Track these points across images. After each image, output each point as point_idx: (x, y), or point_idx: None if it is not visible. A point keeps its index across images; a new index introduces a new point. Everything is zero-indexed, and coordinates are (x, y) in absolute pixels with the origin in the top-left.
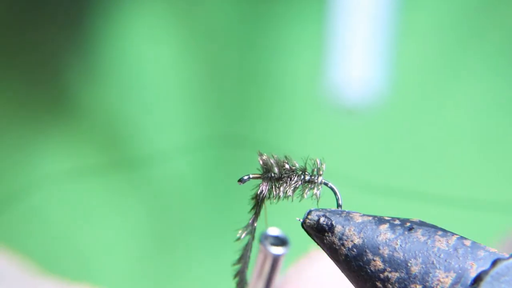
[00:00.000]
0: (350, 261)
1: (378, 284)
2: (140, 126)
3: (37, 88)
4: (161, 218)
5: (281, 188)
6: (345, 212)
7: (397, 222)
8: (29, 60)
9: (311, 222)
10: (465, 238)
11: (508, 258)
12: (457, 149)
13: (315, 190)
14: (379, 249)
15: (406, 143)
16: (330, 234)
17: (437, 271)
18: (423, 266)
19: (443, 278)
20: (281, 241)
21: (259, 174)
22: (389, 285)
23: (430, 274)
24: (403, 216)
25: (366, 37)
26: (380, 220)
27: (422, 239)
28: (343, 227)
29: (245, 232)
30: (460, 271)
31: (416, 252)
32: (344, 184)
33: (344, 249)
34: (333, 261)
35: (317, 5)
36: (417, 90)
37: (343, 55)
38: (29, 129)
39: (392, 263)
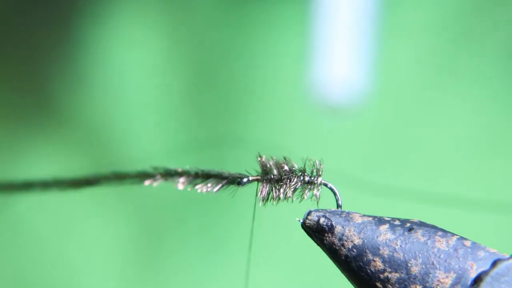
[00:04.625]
0: (350, 262)
1: (378, 284)
2: (128, 130)
3: (23, 94)
4: (151, 222)
5: (281, 190)
6: (345, 213)
7: (397, 222)
8: (15, 68)
9: (311, 222)
10: (465, 239)
11: (508, 259)
12: (448, 148)
13: (314, 191)
14: (379, 249)
15: (397, 142)
16: (330, 234)
17: (437, 271)
18: (423, 267)
19: (443, 278)
20: None
21: (258, 176)
22: (389, 285)
23: (430, 275)
24: (403, 216)
25: (351, 36)
26: (380, 221)
27: (422, 239)
28: (343, 227)
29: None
30: (460, 272)
31: (416, 252)
32: (336, 184)
33: (344, 250)
34: (333, 261)
35: (301, 6)
36: (406, 90)
37: (328, 55)
38: (14, 138)
39: (392, 263)
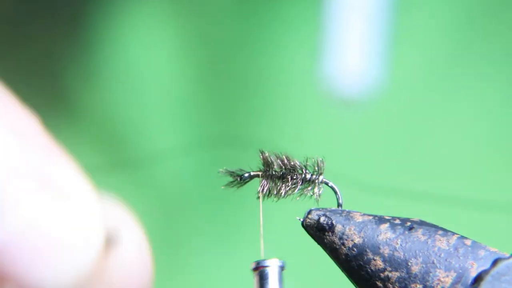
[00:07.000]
0: (351, 261)
1: (379, 283)
2: (140, 127)
3: (37, 91)
4: (162, 217)
5: (282, 186)
6: (345, 212)
7: (397, 221)
8: (29, 63)
9: (311, 221)
10: (466, 238)
11: (508, 258)
12: (456, 146)
13: (315, 189)
14: (379, 248)
15: (404, 139)
16: (330, 233)
17: (438, 270)
18: (424, 266)
19: (443, 277)
20: None
21: (260, 172)
22: (389, 284)
23: (431, 274)
24: (403, 215)
25: (363, 31)
26: (380, 220)
27: (423, 238)
28: (343, 226)
29: None
30: (460, 271)
31: (417, 251)
32: (343, 183)
33: (345, 249)
34: (334, 260)
35: (314, 2)
36: (416, 85)
37: (341, 48)
38: None
39: (392, 262)
